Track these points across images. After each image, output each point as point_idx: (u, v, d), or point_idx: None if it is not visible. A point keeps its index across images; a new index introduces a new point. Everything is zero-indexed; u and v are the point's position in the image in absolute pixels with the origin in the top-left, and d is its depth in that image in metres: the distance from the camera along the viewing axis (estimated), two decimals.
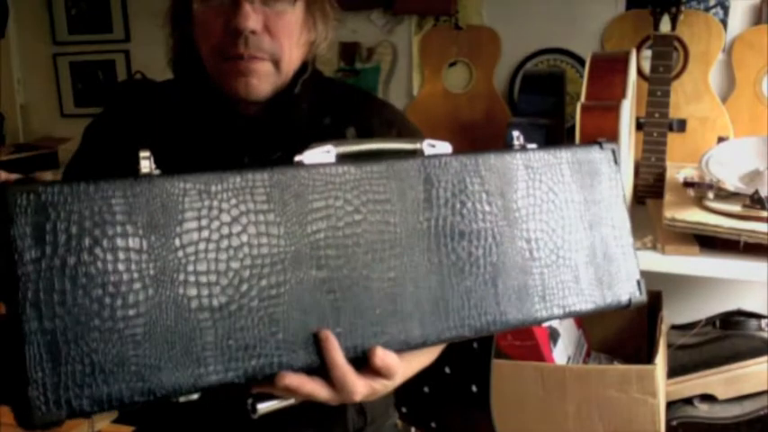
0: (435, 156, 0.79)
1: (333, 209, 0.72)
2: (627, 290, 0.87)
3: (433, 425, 1.81)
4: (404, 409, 1.16)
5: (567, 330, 1.86)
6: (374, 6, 2.38)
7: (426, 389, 1.76)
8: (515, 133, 0.85)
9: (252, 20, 0.86)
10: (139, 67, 2.63)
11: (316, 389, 0.71)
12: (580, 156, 0.87)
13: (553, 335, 1.77)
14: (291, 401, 0.74)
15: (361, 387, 0.72)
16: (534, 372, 1.67)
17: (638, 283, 0.88)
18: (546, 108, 1.95)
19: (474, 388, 1.69)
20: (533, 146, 0.84)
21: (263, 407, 0.73)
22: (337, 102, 1.00)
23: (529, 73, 2.16)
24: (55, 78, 2.83)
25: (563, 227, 0.84)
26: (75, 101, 2.83)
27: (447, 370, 1.61)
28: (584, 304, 0.84)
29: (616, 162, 0.89)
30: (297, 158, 0.72)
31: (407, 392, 1.14)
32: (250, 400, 0.73)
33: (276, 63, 0.90)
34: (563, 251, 0.83)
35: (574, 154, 0.86)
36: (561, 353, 1.78)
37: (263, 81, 0.90)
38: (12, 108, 2.87)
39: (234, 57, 0.88)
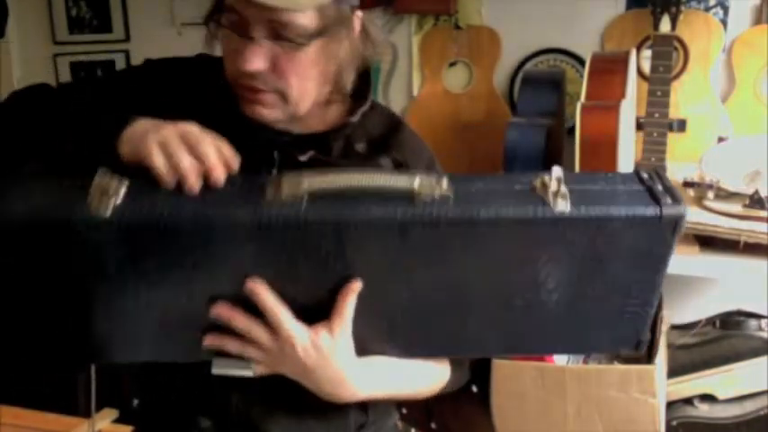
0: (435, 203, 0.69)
1: None
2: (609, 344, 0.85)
3: (434, 425, 1.81)
4: (404, 410, 1.16)
5: None
6: (374, 6, 2.38)
7: None
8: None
9: (255, 62, 0.85)
10: None
11: (251, 326, 0.78)
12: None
13: None
14: (249, 373, 0.80)
15: (298, 331, 0.78)
16: (534, 372, 1.67)
17: (639, 343, 0.84)
18: (546, 108, 1.95)
19: (474, 388, 1.69)
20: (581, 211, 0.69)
21: (219, 364, 0.80)
22: (371, 127, 0.99)
23: (529, 73, 2.16)
24: (55, 78, 2.82)
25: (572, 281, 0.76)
26: None
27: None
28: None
29: (675, 232, 0.72)
30: None
31: None
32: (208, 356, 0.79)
33: (282, 96, 0.90)
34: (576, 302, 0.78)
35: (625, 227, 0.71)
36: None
37: (271, 109, 0.90)
38: None
39: (242, 86, 0.89)
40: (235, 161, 0.78)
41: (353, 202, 0.69)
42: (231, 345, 0.80)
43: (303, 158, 0.93)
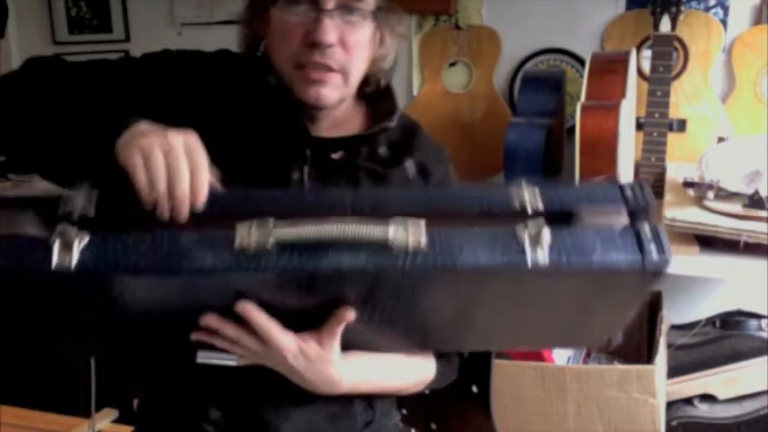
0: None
1: None
2: None
3: (434, 426, 1.81)
4: (404, 411, 1.16)
5: None
6: None
7: (426, 390, 1.75)
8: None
9: (331, 34, 0.88)
10: None
11: (239, 335, 0.79)
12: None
13: None
14: (233, 362, 0.82)
15: (288, 342, 0.80)
16: (534, 372, 1.67)
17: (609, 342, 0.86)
18: (546, 108, 1.95)
19: (474, 388, 1.69)
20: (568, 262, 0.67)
21: (203, 355, 0.82)
22: (391, 131, 1.01)
23: (529, 73, 2.16)
24: None
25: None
26: None
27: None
28: None
29: (656, 278, 0.70)
30: None
31: (408, 394, 1.14)
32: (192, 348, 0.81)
33: (345, 75, 0.93)
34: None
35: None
36: (561, 353, 1.78)
37: (333, 90, 0.93)
38: None
39: (308, 66, 0.90)
40: (202, 193, 0.73)
41: (324, 252, 0.66)
42: (220, 342, 0.81)
43: (335, 156, 0.96)
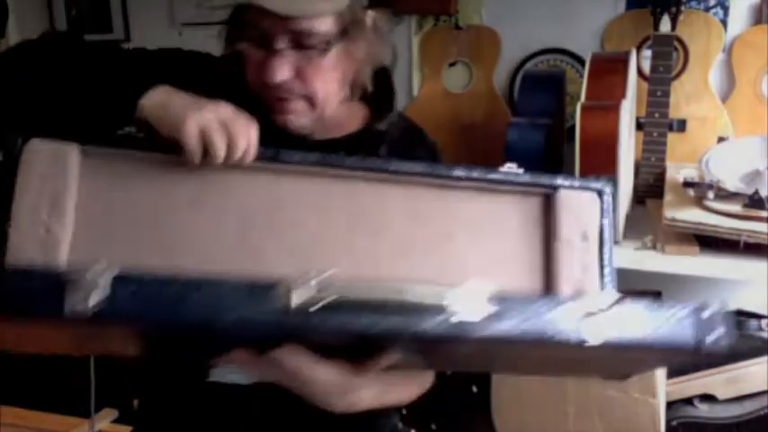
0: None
1: None
2: None
3: (434, 426, 1.81)
4: (404, 411, 1.16)
5: None
6: (374, 6, 2.38)
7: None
8: None
9: (280, 73, 0.87)
10: None
11: (268, 371, 0.76)
12: None
13: None
14: (245, 380, 0.81)
15: (321, 376, 0.76)
16: None
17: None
18: (546, 108, 1.95)
19: (474, 389, 1.70)
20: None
21: (217, 373, 0.81)
22: (392, 132, 1.01)
23: (529, 73, 2.16)
24: None
25: None
26: None
27: (447, 371, 1.61)
28: None
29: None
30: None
31: None
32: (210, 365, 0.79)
33: (310, 101, 0.91)
34: None
35: None
36: None
37: (300, 117, 0.92)
38: None
39: (269, 97, 0.90)
40: (253, 150, 0.79)
41: (374, 312, 0.63)
42: (242, 367, 0.79)
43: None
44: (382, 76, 1.01)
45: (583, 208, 0.85)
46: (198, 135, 0.76)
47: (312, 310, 0.62)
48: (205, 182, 0.79)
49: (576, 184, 0.86)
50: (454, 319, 0.63)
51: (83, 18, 2.75)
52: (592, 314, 0.65)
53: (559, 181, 0.86)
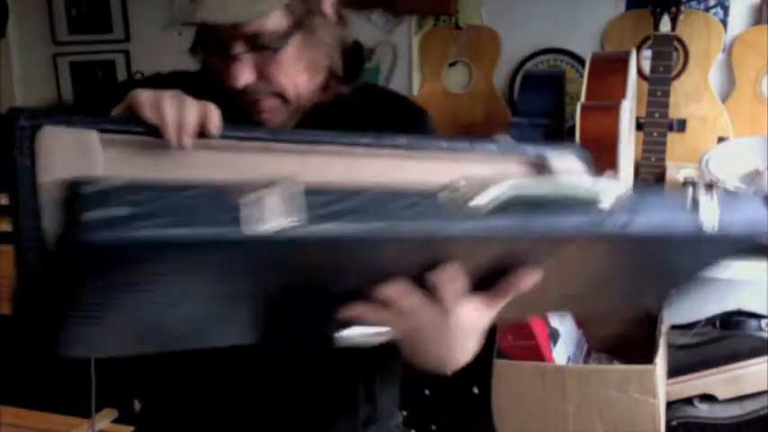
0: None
1: None
2: None
3: (434, 427, 1.81)
4: (404, 413, 1.16)
5: (567, 330, 1.86)
6: (374, 6, 2.38)
7: (427, 391, 1.76)
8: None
9: (242, 78, 0.87)
10: (139, 67, 2.63)
11: (421, 304, 0.71)
12: None
13: (553, 335, 1.77)
14: (374, 341, 0.73)
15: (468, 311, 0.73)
16: (534, 372, 1.67)
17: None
18: (546, 108, 1.95)
19: (475, 390, 1.70)
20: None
21: (347, 334, 0.72)
22: (376, 104, 1.01)
23: (529, 73, 2.16)
24: (55, 78, 2.83)
25: None
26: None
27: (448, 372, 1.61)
28: None
29: None
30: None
31: (408, 395, 1.14)
32: (333, 329, 0.71)
33: (281, 96, 0.91)
34: None
35: None
36: (561, 353, 1.78)
37: (275, 114, 0.91)
38: None
39: (240, 100, 0.89)
40: (215, 123, 0.73)
41: (543, 212, 0.63)
42: (379, 316, 0.73)
43: None
44: (354, 51, 1.00)
45: (571, 171, 0.89)
46: (150, 103, 0.72)
47: (494, 209, 0.61)
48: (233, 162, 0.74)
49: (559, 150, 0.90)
50: (623, 218, 0.64)
51: (83, 18, 2.75)
52: (707, 206, 0.68)
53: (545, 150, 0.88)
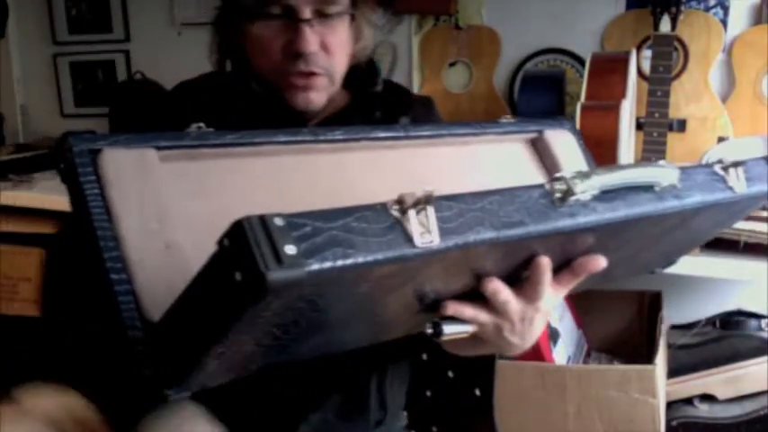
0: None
1: None
2: None
3: (435, 429, 1.81)
4: (405, 413, 1.16)
5: (567, 330, 1.87)
6: (374, 6, 2.38)
7: (429, 393, 1.75)
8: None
9: (313, 43, 0.90)
10: (139, 67, 2.63)
11: (477, 314, 0.73)
12: None
13: (553, 335, 1.77)
14: (469, 329, 0.75)
15: (515, 306, 0.74)
16: (534, 372, 1.67)
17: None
18: (546, 108, 1.95)
19: (477, 392, 1.69)
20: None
21: (449, 330, 0.73)
22: (381, 96, 1.05)
23: (529, 73, 2.16)
24: (55, 78, 2.83)
25: None
26: (75, 101, 2.83)
27: (450, 374, 1.61)
28: None
29: None
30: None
31: (409, 396, 1.14)
32: (432, 325, 0.73)
33: (330, 77, 0.94)
34: None
35: None
36: (561, 353, 1.78)
37: (321, 94, 0.95)
38: (12, 108, 2.87)
39: (293, 75, 0.91)
40: None
41: (627, 198, 0.70)
42: (467, 311, 0.74)
43: None
44: (367, 64, 1.06)
45: (568, 144, 1.01)
46: None
47: (592, 199, 0.67)
48: (282, 166, 0.77)
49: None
50: (681, 196, 0.76)
51: (83, 18, 2.75)
52: (736, 178, 0.85)
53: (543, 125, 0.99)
